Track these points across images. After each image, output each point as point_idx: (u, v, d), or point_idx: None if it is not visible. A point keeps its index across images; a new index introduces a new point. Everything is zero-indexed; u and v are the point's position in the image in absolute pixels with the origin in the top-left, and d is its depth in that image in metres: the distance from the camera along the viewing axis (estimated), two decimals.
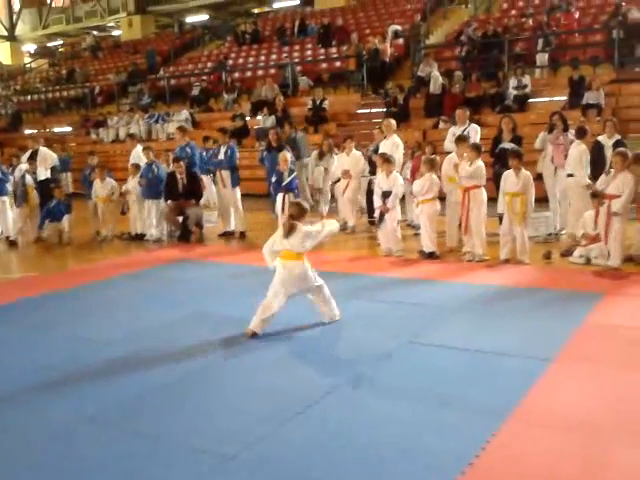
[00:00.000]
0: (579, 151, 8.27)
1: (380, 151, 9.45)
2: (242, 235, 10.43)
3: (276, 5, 28.49)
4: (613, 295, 6.28)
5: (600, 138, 8.78)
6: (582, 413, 3.86)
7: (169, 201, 10.32)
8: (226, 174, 10.37)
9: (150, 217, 10.67)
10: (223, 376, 4.74)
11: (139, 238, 10.67)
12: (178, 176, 10.21)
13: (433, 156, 8.89)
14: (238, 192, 10.58)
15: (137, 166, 10.77)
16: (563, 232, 8.99)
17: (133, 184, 10.66)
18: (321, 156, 11.29)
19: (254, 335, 5.46)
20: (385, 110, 15.15)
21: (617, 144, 8.56)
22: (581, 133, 8.46)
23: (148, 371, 4.87)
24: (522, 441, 3.57)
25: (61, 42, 34.72)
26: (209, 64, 22.32)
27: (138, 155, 11.23)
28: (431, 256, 8.14)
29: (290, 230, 5.40)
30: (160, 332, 5.79)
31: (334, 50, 19.91)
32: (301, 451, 3.56)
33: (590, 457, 3.38)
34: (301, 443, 3.64)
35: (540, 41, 16.22)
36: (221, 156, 10.41)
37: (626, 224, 7.18)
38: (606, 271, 7.08)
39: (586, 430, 3.65)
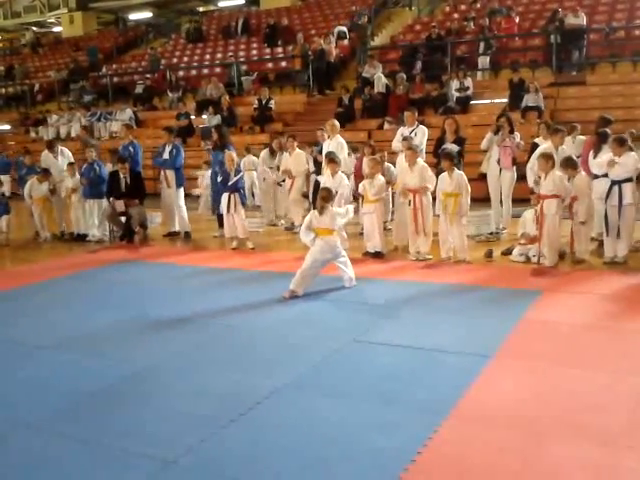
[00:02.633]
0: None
1: (324, 152, 9.48)
2: (187, 235, 10.30)
3: (221, 4, 28.29)
4: (551, 292, 6.44)
5: (537, 140, 9.03)
6: (520, 408, 3.94)
7: (111, 199, 10.07)
8: (170, 174, 10.22)
9: (92, 217, 10.46)
10: (163, 379, 4.65)
11: (80, 239, 10.42)
12: (121, 175, 10.01)
13: (380, 156, 8.98)
14: (181, 192, 10.45)
15: (72, 165, 10.54)
16: (504, 231, 9.19)
17: (73, 183, 10.40)
18: (272, 154, 11.20)
19: (295, 294, 6.48)
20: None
21: None
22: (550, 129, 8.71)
23: (85, 375, 4.74)
24: (462, 437, 3.62)
25: None
26: None
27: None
28: (377, 255, 8.21)
29: (322, 210, 6.66)
30: (100, 335, 5.64)
31: (280, 50, 19.89)
32: (244, 454, 3.52)
33: (528, 451, 3.44)
34: (243, 445, 3.60)
35: (481, 44, 16.58)
36: (165, 155, 10.25)
37: (560, 224, 7.37)
38: (544, 269, 7.27)
39: (524, 425, 3.72)
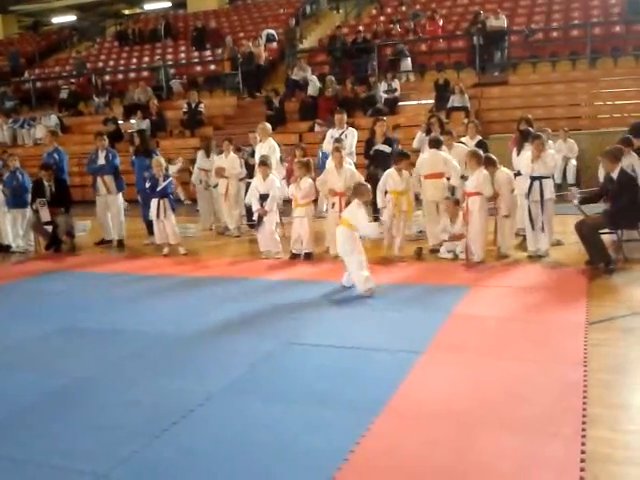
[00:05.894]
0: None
1: (256, 155, 9.47)
2: (120, 244, 10.08)
3: (147, 7, 27.82)
4: (478, 287, 6.63)
5: (464, 139, 9.27)
6: (450, 402, 4.04)
7: (35, 205, 9.74)
8: (109, 179, 9.98)
9: (16, 227, 10.12)
10: (94, 391, 4.54)
11: (4, 250, 10.06)
12: (45, 183, 9.73)
13: (306, 159, 9.03)
14: (121, 198, 10.24)
15: None
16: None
17: None
18: (208, 155, 11.02)
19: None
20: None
21: (479, 144, 9.07)
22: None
23: (10, 391, 4.58)
24: (395, 433, 3.69)
25: None
26: None
27: None
28: (307, 257, 8.26)
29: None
30: (26, 349, 5.47)
31: (208, 53, 19.73)
32: (177, 462, 3.48)
33: (459, 443, 3.53)
34: (177, 454, 3.56)
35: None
36: (101, 161, 10.00)
37: (486, 220, 7.60)
38: (471, 264, 7.48)
39: (454, 418, 3.82)
